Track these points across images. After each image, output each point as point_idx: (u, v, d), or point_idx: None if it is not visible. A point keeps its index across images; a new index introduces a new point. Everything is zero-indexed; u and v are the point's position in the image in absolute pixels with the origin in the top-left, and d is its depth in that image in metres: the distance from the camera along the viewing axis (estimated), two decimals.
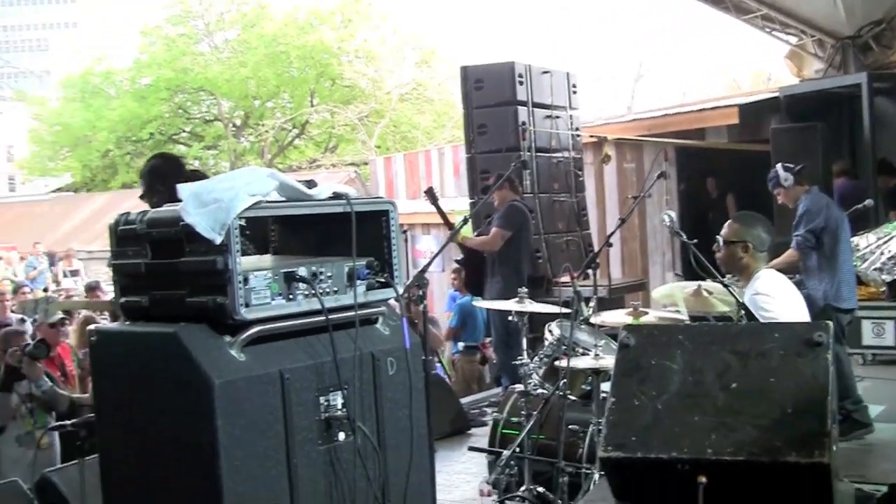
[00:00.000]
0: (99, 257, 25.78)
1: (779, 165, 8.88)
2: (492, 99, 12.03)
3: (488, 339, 11.95)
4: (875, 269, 11.35)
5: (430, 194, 10.36)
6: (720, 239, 6.47)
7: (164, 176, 5.77)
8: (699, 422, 4.00)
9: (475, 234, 11.02)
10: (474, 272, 10.69)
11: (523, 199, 11.13)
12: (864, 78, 13.11)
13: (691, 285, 7.20)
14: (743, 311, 5.78)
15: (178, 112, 45.12)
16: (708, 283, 7.01)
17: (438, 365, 11.75)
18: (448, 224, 10.43)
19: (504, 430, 7.17)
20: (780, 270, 8.16)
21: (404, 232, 12.05)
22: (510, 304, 7.17)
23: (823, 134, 12.54)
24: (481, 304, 9.27)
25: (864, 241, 11.41)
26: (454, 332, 13.08)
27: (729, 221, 6.58)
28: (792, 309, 6.25)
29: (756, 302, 6.13)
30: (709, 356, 4.21)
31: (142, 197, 5.97)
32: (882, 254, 11.37)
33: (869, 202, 11.02)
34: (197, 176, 5.60)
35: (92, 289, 16.75)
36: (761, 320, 6.07)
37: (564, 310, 6.91)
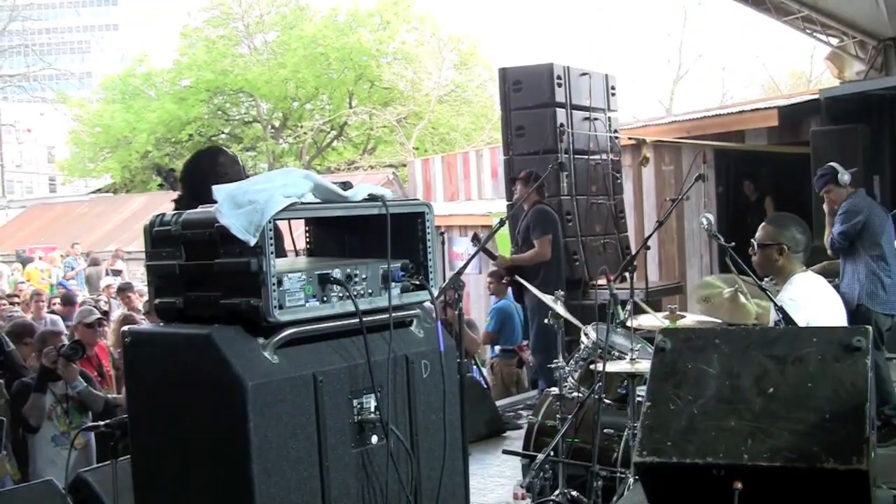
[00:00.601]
0: (137, 258, 25.92)
1: (835, 164, 8.79)
2: (530, 101, 12.02)
3: (525, 343, 11.93)
4: None
5: (476, 239, 10.33)
6: (755, 242, 6.40)
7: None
8: (736, 427, 3.97)
9: (512, 248, 11.00)
10: (520, 286, 10.71)
11: (560, 202, 11.13)
12: None
13: (730, 283, 7.14)
14: (780, 315, 5.72)
15: (217, 114, 45.37)
16: (745, 286, 6.97)
17: (475, 368, 11.74)
18: (494, 259, 10.51)
19: (539, 434, 7.16)
20: (821, 272, 8.14)
21: (441, 234, 12.09)
22: (549, 300, 7.16)
23: (864, 136, 12.45)
24: (526, 284, 9.18)
25: None
26: (491, 336, 13.07)
27: (763, 224, 6.50)
28: (824, 314, 6.18)
29: (784, 308, 6.08)
30: (746, 360, 4.18)
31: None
32: None
33: None
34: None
35: (123, 290, 16.88)
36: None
37: (581, 326, 6.88)
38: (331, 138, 45.14)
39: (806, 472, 3.80)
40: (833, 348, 4.12)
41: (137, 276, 22.93)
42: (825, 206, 8.88)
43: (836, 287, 8.44)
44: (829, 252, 8.79)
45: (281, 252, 4.60)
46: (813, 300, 6.27)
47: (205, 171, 5.20)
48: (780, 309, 5.80)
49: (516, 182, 10.25)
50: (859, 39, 14.72)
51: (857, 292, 8.41)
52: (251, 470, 3.61)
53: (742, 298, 7.10)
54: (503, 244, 12.18)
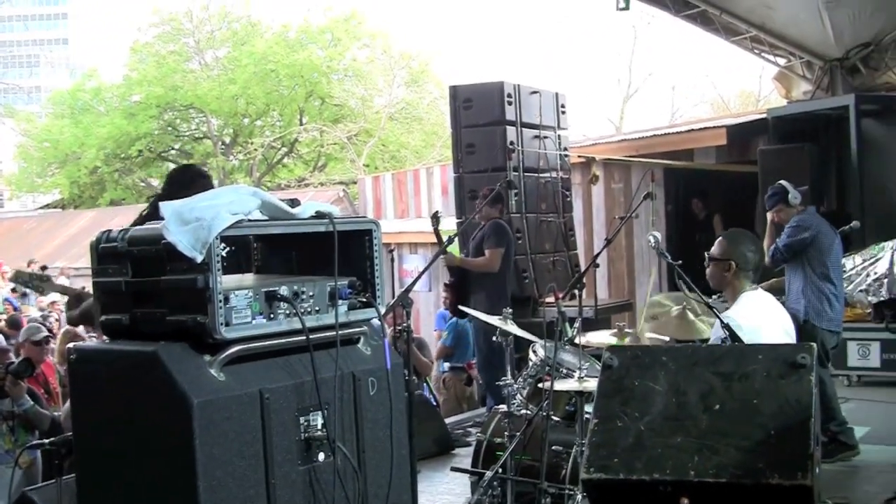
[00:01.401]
0: (85, 274, 25.65)
1: (785, 183, 8.85)
2: (480, 118, 12.04)
3: (474, 360, 11.94)
4: (861, 291, 11.38)
5: (435, 218, 10.32)
6: (707, 255, 6.44)
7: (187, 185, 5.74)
8: (682, 443, 3.99)
9: (462, 253, 11.01)
10: (462, 295, 10.68)
11: (510, 219, 11.16)
12: (851, 100, 13.14)
13: (677, 302, 7.19)
14: (727, 333, 5.76)
15: (167, 129, 45.12)
16: (693, 304, 7.01)
17: (424, 385, 11.72)
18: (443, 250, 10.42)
19: (487, 451, 7.15)
20: (770, 290, 8.19)
21: (391, 251, 12.08)
22: (496, 320, 7.15)
23: (811, 155, 12.58)
24: (470, 311, 9.21)
25: (850, 262, 11.44)
26: (448, 350, 13.05)
27: (719, 238, 6.54)
28: (773, 332, 6.22)
29: (731, 326, 6.12)
30: (692, 378, 4.21)
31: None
32: (868, 275, 11.41)
33: (855, 224, 11.02)
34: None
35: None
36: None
37: (546, 333, 6.89)
38: (281, 155, 45.00)
39: (751, 487, 3.83)
40: (778, 365, 4.16)
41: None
42: (770, 220, 8.95)
43: (783, 304, 8.53)
44: (766, 262, 8.82)
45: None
46: (761, 318, 6.31)
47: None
48: (726, 326, 5.83)
49: (481, 205, 10.26)
50: (806, 60, 14.88)
51: (804, 309, 8.47)
52: (197, 488, 3.58)
53: (690, 316, 7.15)
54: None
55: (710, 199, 15.66)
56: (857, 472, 8.16)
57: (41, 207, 47.66)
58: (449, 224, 11.37)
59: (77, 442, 4.06)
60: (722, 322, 5.85)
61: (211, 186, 5.73)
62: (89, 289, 4.45)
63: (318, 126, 41.15)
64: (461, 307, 10.08)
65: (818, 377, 4.17)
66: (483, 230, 10.52)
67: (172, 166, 42.63)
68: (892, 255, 11.32)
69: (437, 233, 10.18)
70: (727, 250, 6.34)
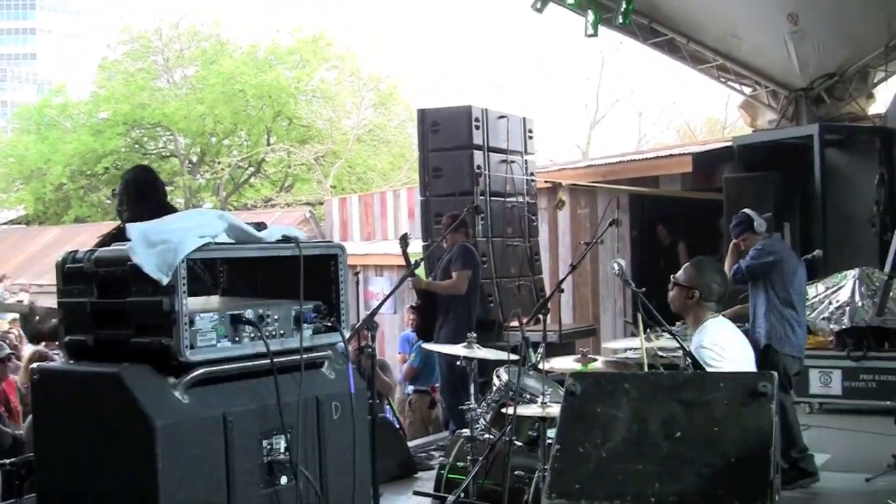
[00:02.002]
0: (48, 291, 25.47)
1: (749, 211, 8.91)
2: (448, 142, 12.07)
3: (437, 384, 11.93)
4: (823, 319, 11.46)
5: (404, 240, 10.34)
6: (673, 279, 6.48)
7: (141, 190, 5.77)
8: (643, 470, 4.02)
9: (429, 278, 11.02)
10: (429, 318, 10.68)
11: (476, 244, 11.18)
12: (816, 129, 13.27)
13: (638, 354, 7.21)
14: (689, 360, 5.80)
15: (134, 147, 44.91)
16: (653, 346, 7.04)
17: (388, 408, 11.71)
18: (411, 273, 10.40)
19: (450, 475, 7.16)
20: (733, 317, 8.25)
21: (356, 273, 12.06)
22: (458, 350, 7.16)
23: (775, 183, 12.68)
24: (430, 347, 9.26)
25: (813, 290, 11.51)
26: (415, 371, 13.03)
27: (687, 264, 6.57)
28: (735, 361, 6.27)
29: (701, 355, 6.15)
30: (654, 405, 4.24)
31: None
32: (830, 303, 11.49)
33: (818, 252, 11.11)
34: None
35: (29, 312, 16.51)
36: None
37: (512, 356, 6.91)
38: (248, 175, 44.89)
39: None
40: (739, 393, 4.19)
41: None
42: (733, 244, 9.02)
43: (746, 331, 8.58)
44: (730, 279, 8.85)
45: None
46: (724, 347, 6.35)
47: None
48: (688, 354, 5.88)
49: (445, 232, 10.25)
50: (772, 89, 15.01)
51: (766, 333, 8.51)
52: None
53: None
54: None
55: (675, 226, 15.76)
56: (816, 499, 8.20)
57: (5, 223, 47.27)
58: (415, 247, 11.38)
59: (38, 462, 4.04)
60: (684, 350, 5.90)
61: (163, 186, 5.80)
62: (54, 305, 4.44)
63: (285, 146, 41.08)
64: (424, 345, 10.12)
65: (780, 403, 4.21)
66: (450, 254, 10.54)
67: None
68: (855, 284, 11.40)
69: (405, 255, 10.20)
70: (693, 279, 6.38)
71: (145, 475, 3.58)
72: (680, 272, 6.50)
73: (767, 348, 8.43)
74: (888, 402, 10.29)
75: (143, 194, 6.32)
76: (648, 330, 7.22)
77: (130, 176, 6.49)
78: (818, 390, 11.47)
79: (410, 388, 13.02)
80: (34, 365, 4.18)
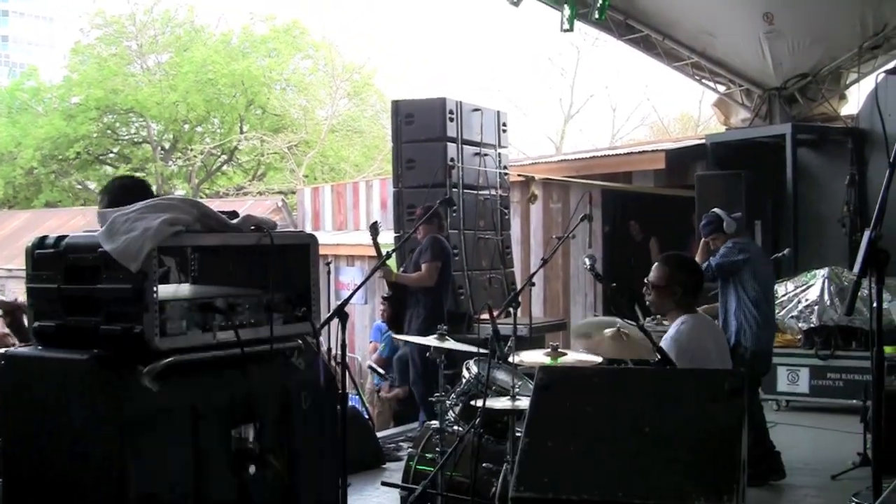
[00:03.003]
0: (17, 276, 25.37)
1: (719, 210, 8.93)
2: (421, 134, 12.06)
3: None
4: (792, 317, 11.53)
5: (374, 228, 10.32)
6: (649, 282, 6.49)
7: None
8: (610, 464, 4.03)
9: (401, 269, 11.02)
10: (400, 309, 10.68)
11: (448, 236, 11.18)
12: (788, 129, 13.35)
13: (611, 325, 7.22)
14: (658, 356, 5.81)
15: (106, 132, 44.67)
16: (626, 326, 7.06)
17: (355, 398, 11.71)
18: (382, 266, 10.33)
19: (418, 466, 7.16)
20: (710, 312, 8.29)
21: (328, 263, 12.05)
22: (430, 340, 7.16)
23: (747, 182, 12.74)
24: (401, 337, 9.25)
25: (782, 288, 11.58)
26: (385, 361, 13.05)
27: (656, 265, 6.59)
28: (709, 355, 6.30)
29: (673, 346, 6.17)
30: (623, 400, 4.25)
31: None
32: (799, 302, 11.56)
33: (788, 251, 11.18)
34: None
35: (12, 309, 16.44)
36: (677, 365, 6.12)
37: (482, 350, 6.92)
38: (220, 162, 44.72)
39: None
40: (709, 390, 4.21)
41: (20, 294, 22.36)
42: (703, 242, 9.05)
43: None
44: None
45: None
46: (698, 341, 6.38)
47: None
48: (658, 349, 5.89)
49: (416, 223, 10.22)
50: (746, 88, 15.06)
51: (735, 331, 8.56)
52: (128, 499, 3.57)
53: (623, 337, 7.18)
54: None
55: (647, 222, 15.79)
56: (783, 495, 8.26)
57: None
58: (387, 237, 11.38)
59: (4, 450, 4.02)
60: (654, 345, 5.91)
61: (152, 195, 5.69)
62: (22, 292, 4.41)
63: (258, 135, 40.95)
64: (395, 336, 10.11)
65: (748, 401, 4.23)
66: (420, 245, 10.54)
67: (110, 170, 42.26)
68: (824, 283, 11.48)
69: (375, 244, 10.18)
70: (671, 276, 6.41)
71: (114, 463, 3.57)
72: (652, 274, 6.52)
73: (736, 346, 8.47)
74: (854, 401, 10.36)
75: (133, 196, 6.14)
76: (618, 325, 7.24)
77: (119, 182, 6.32)
78: (786, 388, 11.55)
79: (378, 378, 13.04)
80: (0, 350, 4.15)
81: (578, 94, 42.21)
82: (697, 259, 9.04)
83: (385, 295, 11.22)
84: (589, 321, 8.21)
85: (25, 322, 5.64)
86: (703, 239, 9.18)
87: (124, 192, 5.28)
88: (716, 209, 9.04)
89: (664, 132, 37.49)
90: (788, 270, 12.07)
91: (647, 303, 6.63)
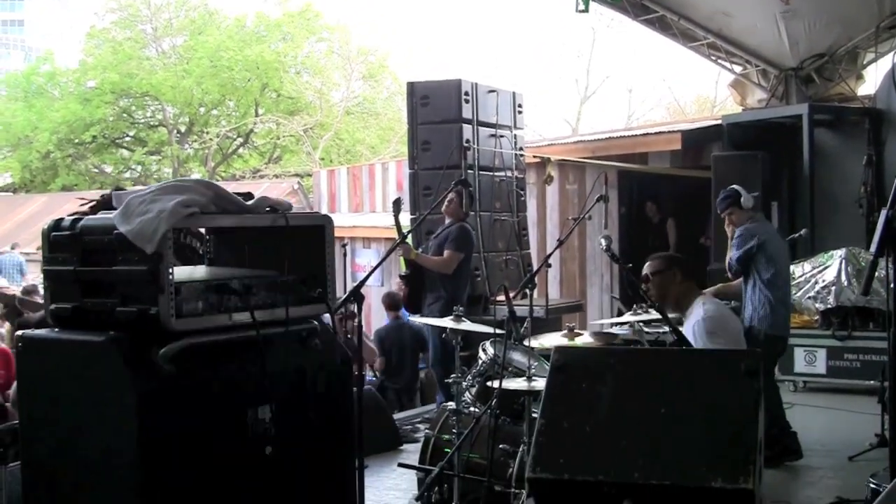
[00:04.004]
0: (35, 259, 25.42)
1: (738, 187, 8.90)
2: (437, 116, 12.03)
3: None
4: (809, 298, 11.49)
5: (396, 205, 10.26)
6: (646, 274, 6.56)
7: None
8: (627, 445, 4.03)
9: (419, 249, 11.01)
10: (417, 290, 10.66)
11: (467, 217, 11.19)
12: (805, 109, 13.28)
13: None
14: (675, 336, 5.81)
15: (121, 116, 44.71)
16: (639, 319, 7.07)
17: (370, 377, 11.72)
18: (402, 243, 10.26)
19: (435, 448, 7.17)
20: (716, 295, 8.28)
21: (344, 245, 12.04)
22: (446, 322, 7.15)
23: (764, 162, 12.69)
24: (418, 319, 9.24)
25: (799, 269, 11.54)
26: None
27: (648, 262, 6.69)
28: (733, 337, 6.32)
29: (703, 327, 6.19)
30: (639, 381, 4.25)
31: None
32: (816, 283, 11.51)
33: (805, 231, 11.14)
34: None
35: (29, 293, 16.51)
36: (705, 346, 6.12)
37: (498, 330, 6.92)
38: (236, 145, 44.74)
39: (694, 490, 3.87)
40: (725, 371, 4.21)
41: (39, 277, 22.42)
42: (727, 229, 8.99)
43: (733, 308, 8.60)
44: (728, 275, 8.92)
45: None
46: (726, 317, 6.41)
47: None
48: (674, 330, 5.89)
49: (445, 205, 10.17)
50: (762, 68, 14.98)
51: (750, 314, 8.53)
52: (144, 477, 3.58)
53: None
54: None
55: (664, 204, 15.77)
56: (799, 477, 8.23)
57: None
58: (403, 219, 11.36)
59: (23, 430, 4.04)
60: (671, 327, 5.91)
61: None
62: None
63: (273, 118, 40.95)
64: (411, 317, 10.07)
65: (765, 382, 4.22)
66: (448, 230, 10.49)
67: (126, 153, 42.30)
68: (841, 264, 11.43)
69: (396, 220, 10.14)
70: (664, 263, 6.49)
71: (130, 444, 3.58)
72: (647, 267, 6.62)
73: (750, 328, 8.45)
74: (872, 382, 10.33)
75: None
76: (634, 306, 7.25)
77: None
78: (803, 369, 11.51)
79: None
80: (18, 332, 4.17)
81: (594, 76, 41.98)
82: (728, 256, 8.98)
83: (402, 274, 11.19)
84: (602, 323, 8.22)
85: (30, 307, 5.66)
86: (726, 228, 9.10)
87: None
88: (734, 185, 8.99)
89: (680, 113, 37.40)
90: (805, 251, 12.03)
91: (651, 297, 6.64)
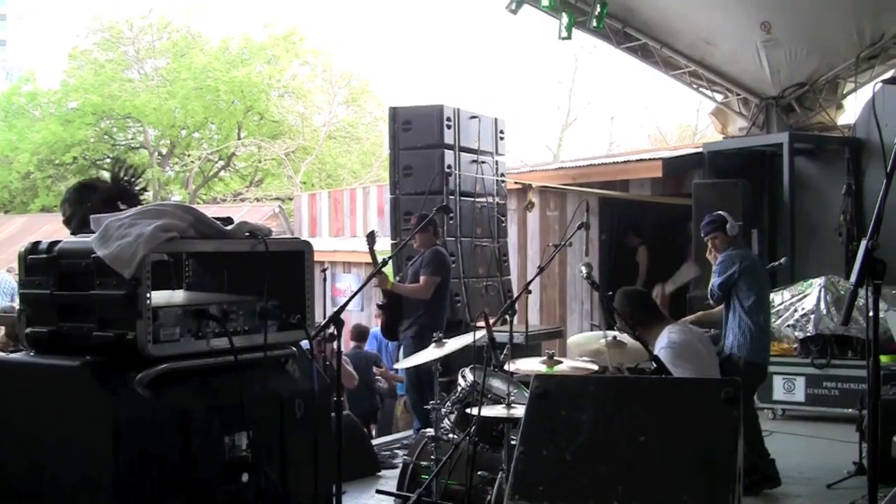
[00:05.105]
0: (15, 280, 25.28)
1: (724, 213, 8.91)
2: (419, 141, 12.04)
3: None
4: (788, 326, 11.52)
5: (371, 238, 10.25)
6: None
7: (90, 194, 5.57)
8: (607, 474, 4.02)
9: (397, 278, 11.00)
10: (394, 318, 10.64)
11: (445, 243, 11.16)
12: (785, 138, 13.36)
13: (606, 335, 7.24)
14: (654, 364, 5.81)
15: (103, 138, 44.60)
16: (621, 335, 7.08)
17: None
18: (379, 274, 10.23)
19: (413, 474, 7.15)
20: (696, 323, 8.29)
21: (324, 270, 12.01)
22: (429, 354, 7.15)
23: (744, 190, 12.75)
24: (398, 365, 9.22)
25: (778, 297, 11.58)
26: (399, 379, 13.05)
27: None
28: (698, 363, 6.32)
29: (664, 356, 6.20)
30: (619, 408, 4.24)
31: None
32: (795, 311, 11.55)
33: (784, 260, 11.19)
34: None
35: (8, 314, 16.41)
36: (673, 373, 6.13)
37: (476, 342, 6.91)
38: (218, 168, 44.66)
39: None
40: (704, 399, 4.20)
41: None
42: (709, 256, 9.01)
43: (711, 336, 8.61)
44: (710, 301, 8.93)
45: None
46: (690, 345, 6.42)
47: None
48: (654, 358, 5.89)
49: (412, 233, 10.18)
50: (743, 97, 15.06)
51: (731, 342, 8.55)
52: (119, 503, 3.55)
53: (618, 346, 7.19)
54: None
55: (644, 233, 15.79)
56: None
57: None
58: (384, 244, 11.35)
59: None
60: (651, 354, 5.91)
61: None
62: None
63: (255, 141, 40.92)
64: (397, 365, 10.04)
65: (743, 410, 4.22)
66: (422, 256, 10.49)
67: (107, 174, 42.15)
68: (820, 292, 11.48)
69: (372, 253, 10.14)
70: (624, 300, 6.77)
71: (105, 470, 3.55)
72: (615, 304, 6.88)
73: (730, 356, 8.47)
74: (850, 410, 10.34)
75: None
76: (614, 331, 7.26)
77: (75, 188, 6.03)
78: (781, 396, 11.54)
79: (401, 386, 13.04)
80: None
81: (576, 103, 42.09)
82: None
83: (380, 303, 11.18)
84: (584, 335, 8.22)
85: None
86: (708, 256, 9.11)
87: (80, 195, 5.23)
88: (721, 212, 9.00)
89: (662, 141, 37.50)
90: (785, 279, 12.07)
91: (629, 328, 6.74)
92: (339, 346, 6.45)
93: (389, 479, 8.58)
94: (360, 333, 13.34)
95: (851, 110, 14.46)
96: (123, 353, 3.68)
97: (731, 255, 8.70)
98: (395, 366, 10.90)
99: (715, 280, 8.70)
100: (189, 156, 42.40)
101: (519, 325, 10.80)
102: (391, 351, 13.26)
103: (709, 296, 8.81)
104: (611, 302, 6.60)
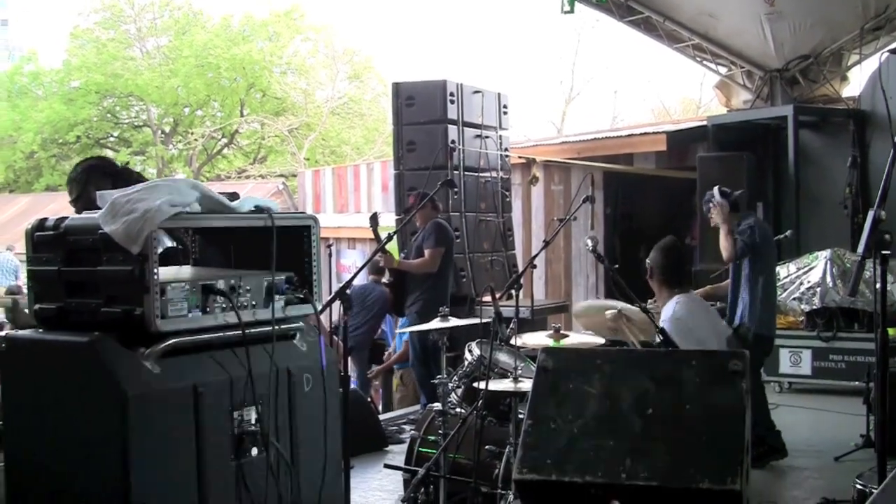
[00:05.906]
0: (20, 259, 25.32)
1: (716, 189, 8.85)
2: (422, 116, 12.02)
3: None
4: (794, 299, 11.51)
5: (374, 220, 10.24)
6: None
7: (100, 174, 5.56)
8: (614, 446, 4.03)
9: (402, 254, 10.99)
10: (402, 294, 10.64)
11: (449, 218, 11.15)
12: (790, 110, 13.33)
13: (611, 308, 7.23)
14: (661, 337, 5.81)
15: (106, 116, 44.57)
16: (627, 308, 7.06)
17: (356, 380, 11.70)
18: (383, 253, 10.15)
19: (421, 449, 7.15)
20: (705, 296, 8.28)
21: (329, 246, 12.02)
22: (433, 324, 7.14)
23: (749, 163, 12.72)
24: (403, 330, 9.21)
25: (784, 270, 11.56)
26: (401, 356, 13.01)
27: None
28: (703, 336, 6.32)
29: (669, 328, 6.20)
30: (626, 381, 4.24)
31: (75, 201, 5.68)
32: (801, 284, 11.54)
33: (789, 233, 11.17)
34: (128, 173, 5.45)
35: (13, 293, 16.46)
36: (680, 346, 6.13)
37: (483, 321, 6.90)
38: (221, 146, 44.63)
39: (682, 492, 3.86)
40: (712, 371, 4.20)
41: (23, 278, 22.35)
42: (716, 222, 8.87)
43: (719, 309, 8.60)
44: (727, 257, 8.70)
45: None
46: (695, 317, 6.41)
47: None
48: (661, 331, 5.89)
49: (413, 212, 10.18)
50: (747, 69, 15.01)
51: (740, 313, 8.53)
52: (129, 480, 3.56)
53: (625, 319, 7.19)
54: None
55: (649, 204, 15.78)
56: (785, 477, 8.25)
57: None
58: (388, 220, 11.34)
59: (6, 433, 4.00)
60: (657, 326, 5.91)
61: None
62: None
63: (259, 118, 40.88)
64: (399, 329, 10.03)
65: (751, 383, 4.22)
66: (423, 231, 10.49)
67: (111, 153, 42.18)
68: (826, 265, 11.46)
69: (375, 234, 10.13)
70: (650, 256, 6.66)
71: (115, 445, 3.56)
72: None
73: (739, 327, 8.46)
74: (856, 383, 10.36)
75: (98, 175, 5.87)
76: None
77: (82, 166, 5.99)
78: (788, 370, 11.54)
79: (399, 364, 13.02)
80: (1, 333, 4.14)
81: (579, 77, 42.02)
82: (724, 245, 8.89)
83: (386, 281, 11.18)
84: (589, 303, 8.21)
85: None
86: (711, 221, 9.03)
87: (87, 176, 5.24)
88: (715, 188, 8.91)
89: (665, 115, 37.44)
90: (790, 252, 12.06)
91: (636, 300, 6.69)
92: (345, 320, 6.46)
93: (397, 453, 8.60)
94: (379, 268, 12.93)
95: (856, 82, 14.43)
96: (131, 329, 3.68)
97: (749, 221, 8.62)
98: (398, 330, 10.83)
99: (744, 240, 8.48)
100: (192, 133, 42.37)
101: (524, 300, 10.80)
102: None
103: (736, 254, 8.56)
104: (616, 275, 6.57)
